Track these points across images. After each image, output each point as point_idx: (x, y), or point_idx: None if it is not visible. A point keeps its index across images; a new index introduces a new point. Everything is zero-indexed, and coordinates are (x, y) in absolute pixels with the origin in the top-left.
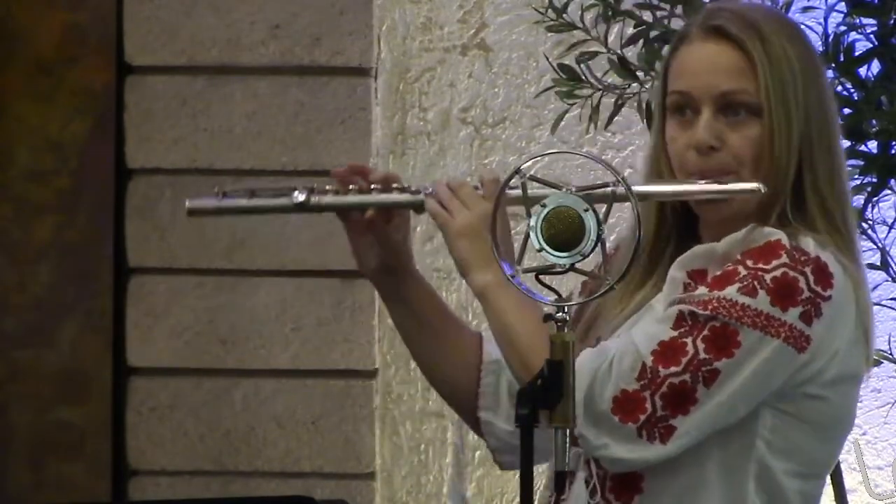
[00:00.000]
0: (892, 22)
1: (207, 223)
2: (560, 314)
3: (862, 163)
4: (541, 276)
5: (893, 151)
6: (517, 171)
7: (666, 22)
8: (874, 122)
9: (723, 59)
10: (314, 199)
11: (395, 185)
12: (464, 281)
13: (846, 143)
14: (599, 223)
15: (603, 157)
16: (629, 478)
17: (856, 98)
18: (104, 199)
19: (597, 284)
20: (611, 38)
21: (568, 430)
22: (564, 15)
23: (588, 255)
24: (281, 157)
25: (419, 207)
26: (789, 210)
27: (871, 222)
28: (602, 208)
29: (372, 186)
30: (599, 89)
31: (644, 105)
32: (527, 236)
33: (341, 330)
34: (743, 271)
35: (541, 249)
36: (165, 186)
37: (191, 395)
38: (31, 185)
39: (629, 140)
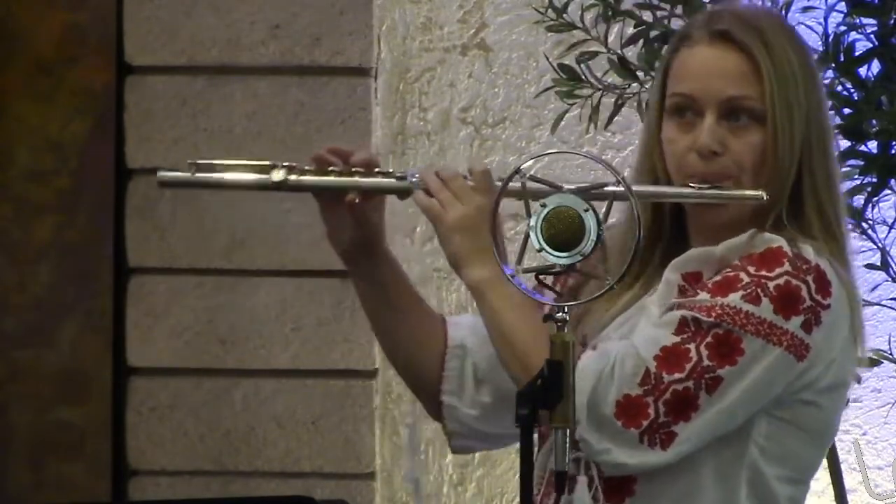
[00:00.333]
0: (892, 22)
1: (208, 223)
2: (560, 314)
3: (862, 163)
4: (541, 276)
5: (893, 151)
6: (517, 171)
7: (666, 22)
8: (874, 122)
9: (728, 65)
10: (293, 177)
11: (377, 170)
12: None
13: (846, 143)
14: (599, 223)
15: (603, 157)
16: (621, 480)
17: (856, 98)
18: (104, 199)
19: (583, 282)
20: (611, 38)
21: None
22: (564, 15)
23: (588, 255)
24: (281, 157)
25: (404, 194)
26: (785, 215)
27: (871, 222)
28: (602, 208)
29: (353, 169)
30: (599, 89)
31: (644, 105)
32: (527, 236)
33: (341, 330)
34: (746, 278)
35: (541, 249)
36: None
37: (191, 395)
38: (31, 185)
39: (629, 140)
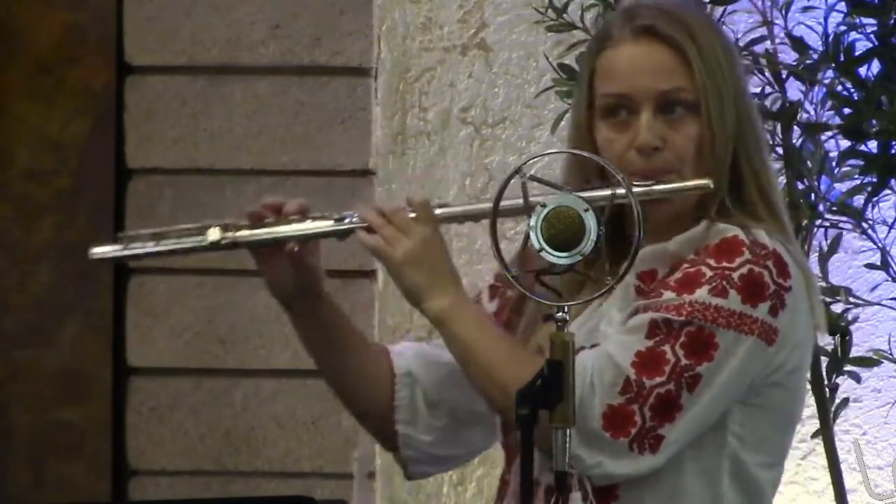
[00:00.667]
0: (892, 22)
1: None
2: (560, 314)
3: (862, 163)
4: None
5: (893, 151)
6: (517, 171)
7: None
8: (874, 122)
9: (658, 59)
10: (229, 234)
11: (310, 216)
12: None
13: (846, 143)
14: (599, 223)
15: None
16: (606, 487)
17: (856, 98)
18: (104, 199)
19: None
20: None
21: (568, 431)
22: (564, 15)
23: (588, 255)
24: (281, 157)
25: (342, 236)
26: (729, 201)
27: (871, 222)
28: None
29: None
30: None
31: None
32: (527, 236)
33: None
34: (709, 272)
35: (541, 249)
36: (165, 186)
37: (191, 395)
38: (31, 185)
39: None
